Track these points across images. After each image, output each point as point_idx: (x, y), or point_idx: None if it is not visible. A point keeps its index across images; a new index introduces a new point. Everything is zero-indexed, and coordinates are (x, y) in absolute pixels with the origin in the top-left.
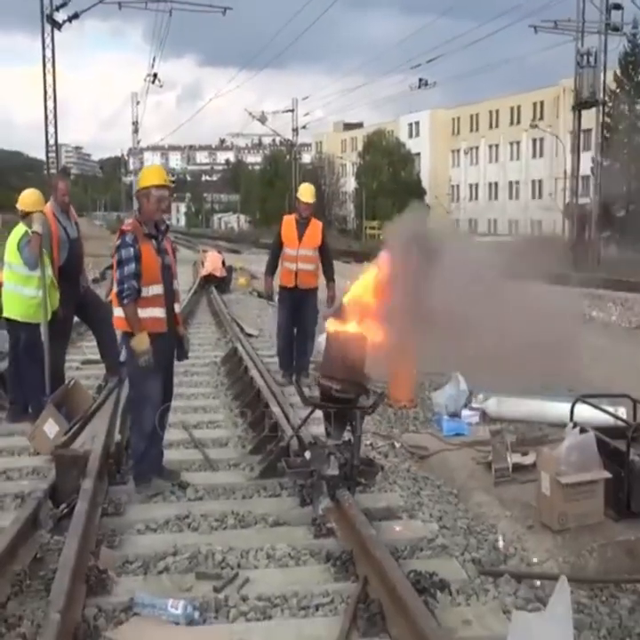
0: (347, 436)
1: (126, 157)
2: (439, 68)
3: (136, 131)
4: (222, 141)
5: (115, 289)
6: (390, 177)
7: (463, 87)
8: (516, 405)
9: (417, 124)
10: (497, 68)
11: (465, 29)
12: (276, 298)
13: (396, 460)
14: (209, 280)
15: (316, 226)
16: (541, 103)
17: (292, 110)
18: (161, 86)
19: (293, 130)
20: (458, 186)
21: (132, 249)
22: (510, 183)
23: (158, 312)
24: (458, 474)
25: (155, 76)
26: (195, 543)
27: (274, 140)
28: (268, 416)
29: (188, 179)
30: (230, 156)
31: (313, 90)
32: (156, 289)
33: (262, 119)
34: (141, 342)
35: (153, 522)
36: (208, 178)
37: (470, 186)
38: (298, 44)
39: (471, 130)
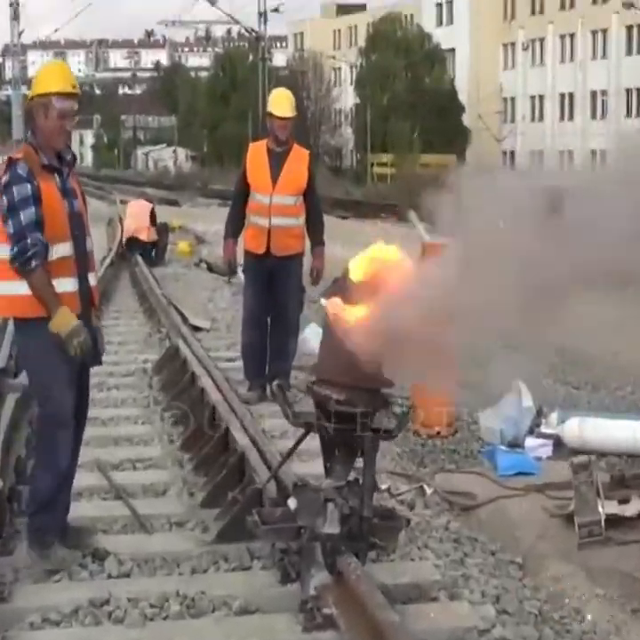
0: (353, 474)
1: (0, 59)
2: None
3: (15, 17)
4: (149, 34)
5: (4, 250)
6: (409, 86)
7: None
8: (609, 429)
9: (450, 4)
10: None
11: None
12: (241, 271)
13: (428, 513)
14: (132, 245)
15: (298, 157)
16: None
17: None
18: None
19: (260, 14)
20: (513, 99)
21: (28, 186)
22: (593, 94)
23: (68, 284)
24: (522, 532)
25: None
26: None
27: (229, 32)
28: (229, 449)
29: (98, 92)
30: (162, 56)
31: None
32: (64, 249)
33: None
34: (66, 320)
35: (54, 611)
36: (128, 91)
37: (532, 98)
38: None
39: (533, 12)
